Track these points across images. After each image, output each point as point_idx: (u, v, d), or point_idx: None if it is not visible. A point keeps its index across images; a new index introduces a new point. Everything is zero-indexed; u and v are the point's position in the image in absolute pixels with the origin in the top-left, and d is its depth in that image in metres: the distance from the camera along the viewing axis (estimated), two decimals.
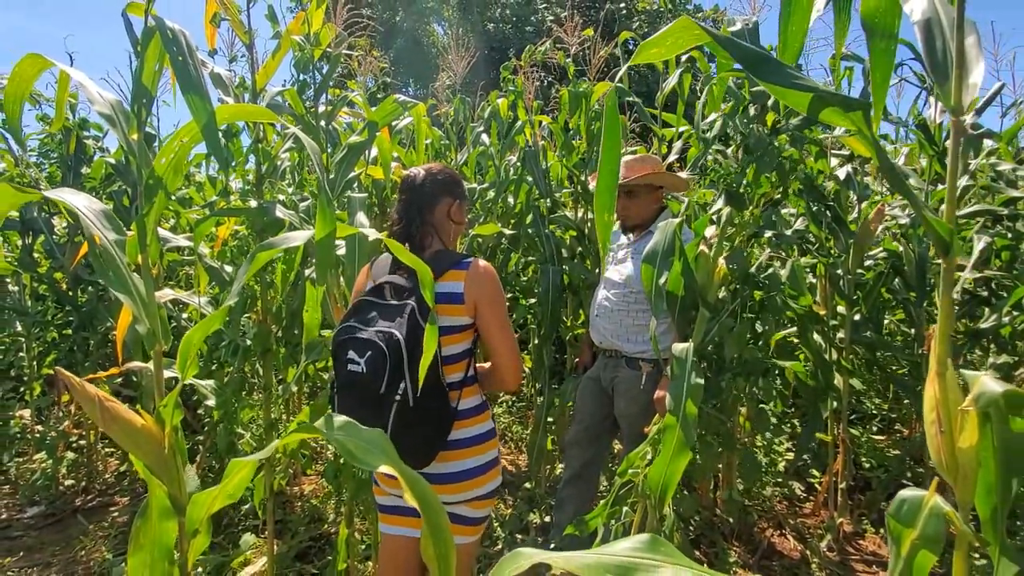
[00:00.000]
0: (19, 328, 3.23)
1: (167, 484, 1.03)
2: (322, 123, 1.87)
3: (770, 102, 1.61)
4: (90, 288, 3.11)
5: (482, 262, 1.42)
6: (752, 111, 1.65)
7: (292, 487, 3.01)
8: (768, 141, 1.57)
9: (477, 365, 1.49)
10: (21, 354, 3.38)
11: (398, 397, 1.24)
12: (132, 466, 3.20)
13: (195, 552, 1.07)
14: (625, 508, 1.76)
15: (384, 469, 0.83)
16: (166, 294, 2.17)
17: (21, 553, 2.53)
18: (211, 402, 2.00)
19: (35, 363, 3.32)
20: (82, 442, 3.27)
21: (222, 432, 1.92)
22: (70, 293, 3.08)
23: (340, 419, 0.92)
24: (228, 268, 2.03)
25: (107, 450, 3.46)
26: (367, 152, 2.03)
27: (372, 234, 1.08)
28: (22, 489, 3.02)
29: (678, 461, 1.57)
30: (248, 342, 1.96)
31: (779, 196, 1.91)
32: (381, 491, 1.53)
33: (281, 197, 2.48)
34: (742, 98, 1.72)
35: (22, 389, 3.62)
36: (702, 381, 1.59)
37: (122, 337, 1.83)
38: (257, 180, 1.94)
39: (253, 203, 1.90)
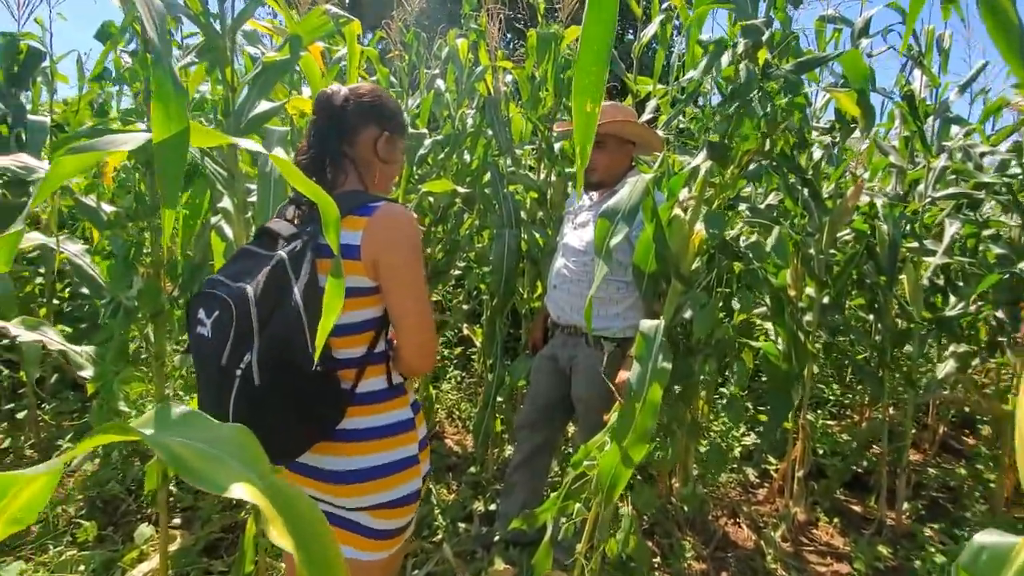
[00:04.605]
0: None
1: None
2: (231, 32, 1.50)
3: (764, 37, 1.36)
4: None
5: (395, 208, 1.09)
6: (742, 47, 1.40)
7: None
8: (760, 81, 1.34)
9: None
10: None
11: (239, 372, 0.96)
12: (14, 443, 2.79)
13: None
14: (578, 505, 1.55)
15: (243, 495, 0.54)
16: (32, 238, 1.77)
17: None
18: (87, 372, 1.65)
19: None
20: None
21: (97, 409, 1.57)
22: None
23: (182, 410, 0.63)
24: (108, 207, 1.66)
25: None
26: (290, 76, 1.68)
27: (252, 147, 0.77)
28: None
29: (634, 453, 1.36)
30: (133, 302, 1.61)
31: (762, 157, 1.68)
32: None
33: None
34: (728, 37, 1.47)
35: None
36: (669, 365, 1.37)
37: None
38: (146, 98, 1.56)
39: (142, 127, 1.53)
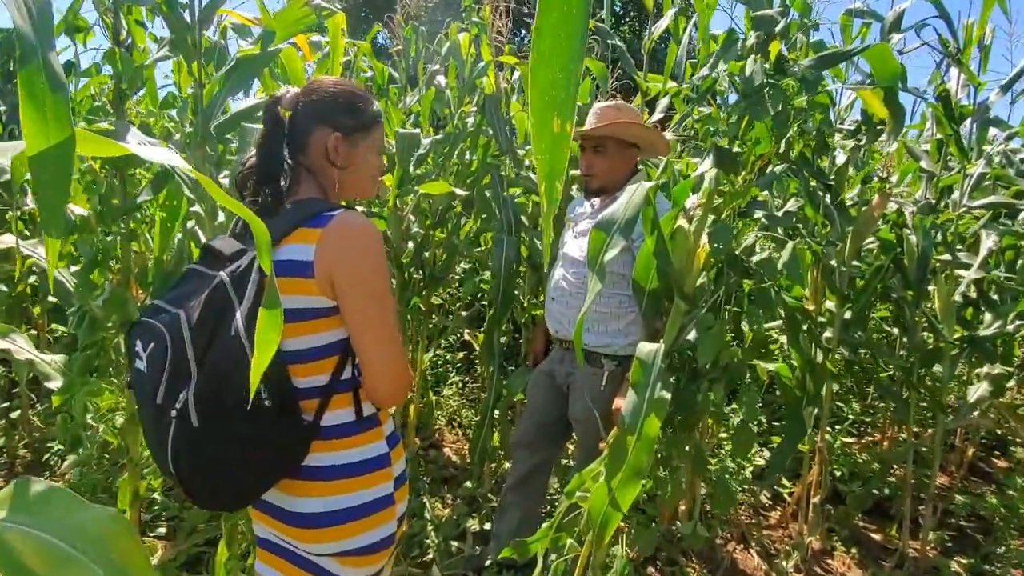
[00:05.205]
0: None
1: None
2: (201, 25, 1.40)
3: (778, 29, 1.21)
4: None
5: (352, 216, 0.97)
6: (753, 39, 1.25)
7: None
8: (768, 79, 1.19)
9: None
10: None
11: (174, 411, 0.85)
12: (8, 442, 2.77)
13: None
14: (570, 540, 1.42)
15: None
16: (3, 240, 1.71)
17: None
18: (55, 384, 1.57)
19: None
20: None
21: (61, 423, 1.49)
22: None
23: (45, 488, 0.51)
24: (77, 209, 1.58)
25: None
26: (265, 70, 1.58)
27: (164, 159, 0.66)
28: None
29: (626, 491, 1.23)
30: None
31: (777, 161, 1.53)
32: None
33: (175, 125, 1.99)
34: (737, 30, 1.32)
35: None
36: (669, 395, 1.24)
37: None
38: (116, 96, 1.47)
39: (104, 125, 1.43)
